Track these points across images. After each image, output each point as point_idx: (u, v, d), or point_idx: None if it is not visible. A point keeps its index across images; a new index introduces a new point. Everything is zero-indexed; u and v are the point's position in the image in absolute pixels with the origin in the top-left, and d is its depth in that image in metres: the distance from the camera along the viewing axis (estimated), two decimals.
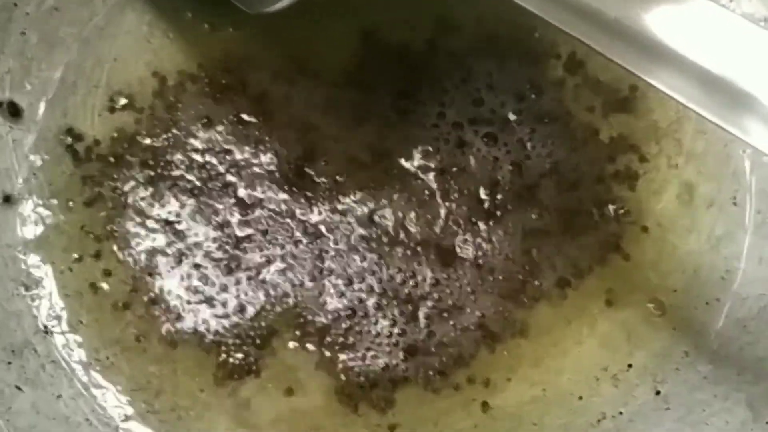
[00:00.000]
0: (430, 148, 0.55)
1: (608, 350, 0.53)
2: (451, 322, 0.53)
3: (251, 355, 0.52)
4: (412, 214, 0.54)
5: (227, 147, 0.55)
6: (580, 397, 0.52)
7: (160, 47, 0.57)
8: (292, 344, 0.52)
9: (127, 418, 0.51)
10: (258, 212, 0.54)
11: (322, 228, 0.54)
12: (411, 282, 0.53)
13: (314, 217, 0.54)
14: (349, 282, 0.53)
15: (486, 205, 0.55)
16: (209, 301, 0.53)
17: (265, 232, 0.54)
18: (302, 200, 0.54)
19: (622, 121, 0.56)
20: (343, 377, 0.52)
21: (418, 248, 0.54)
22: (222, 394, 0.52)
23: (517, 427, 0.52)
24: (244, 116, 0.56)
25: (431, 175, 0.55)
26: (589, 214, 0.55)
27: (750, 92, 0.38)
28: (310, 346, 0.52)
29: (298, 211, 0.54)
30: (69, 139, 0.55)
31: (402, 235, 0.54)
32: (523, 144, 0.56)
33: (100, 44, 0.56)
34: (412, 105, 0.56)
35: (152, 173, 0.55)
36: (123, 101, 0.56)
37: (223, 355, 0.52)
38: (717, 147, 0.55)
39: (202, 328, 0.52)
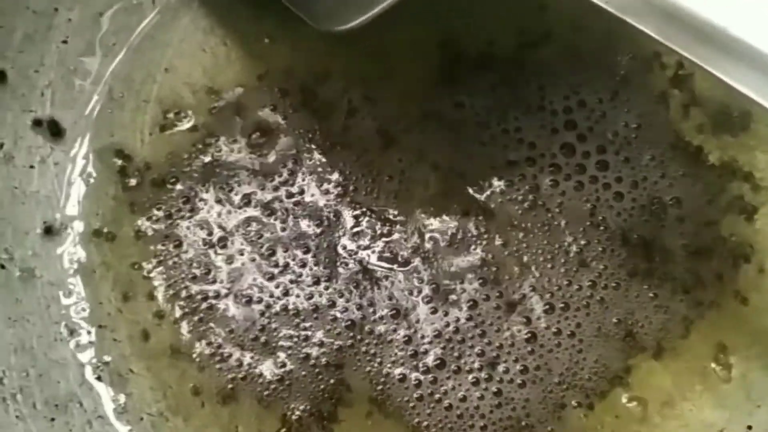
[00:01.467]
0: (518, 175, 0.49)
1: (725, 410, 0.47)
2: (542, 378, 0.47)
3: (321, 414, 0.46)
4: (495, 256, 0.48)
5: (293, 169, 0.49)
6: None
7: (216, 56, 0.51)
8: (367, 401, 0.46)
9: None
10: (324, 244, 0.48)
11: (392, 276, 0.48)
12: (496, 335, 0.47)
13: (391, 253, 0.48)
14: (428, 334, 0.47)
15: (580, 244, 0.48)
16: (273, 349, 0.47)
17: (332, 268, 0.48)
18: (373, 232, 0.48)
19: (734, 143, 0.50)
20: None
21: (502, 295, 0.48)
22: None
23: None
24: (312, 133, 0.50)
25: (517, 207, 0.49)
26: (700, 252, 0.49)
27: None
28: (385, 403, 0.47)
29: (367, 246, 0.48)
30: (117, 162, 0.49)
31: (482, 283, 0.48)
32: (624, 170, 0.49)
33: (151, 53, 0.51)
34: (495, 121, 0.50)
35: (210, 199, 0.49)
36: (176, 118, 0.50)
37: (289, 411, 0.46)
38: None
39: (266, 379, 0.47)
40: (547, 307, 0.47)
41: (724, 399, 0.47)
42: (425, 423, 0.46)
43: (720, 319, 0.48)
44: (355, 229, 0.49)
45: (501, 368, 0.47)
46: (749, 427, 0.47)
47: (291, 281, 0.48)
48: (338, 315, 0.47)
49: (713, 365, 0.48)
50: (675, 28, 0.37)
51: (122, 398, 0.47)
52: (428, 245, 0.48)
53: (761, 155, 0.50)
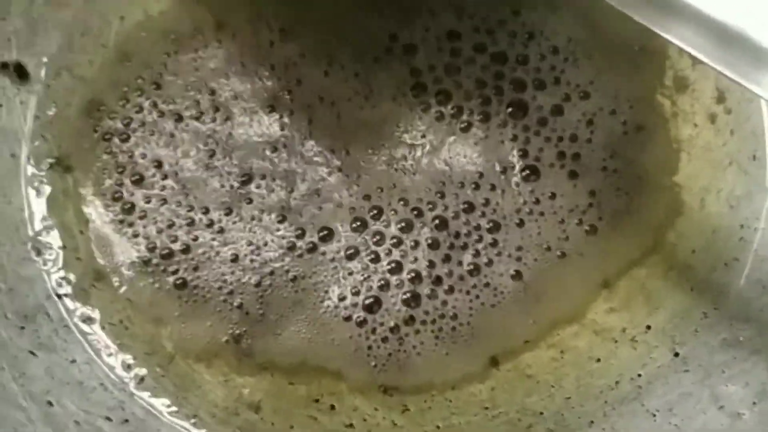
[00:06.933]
0: None
1: (627, 312, 0.52)
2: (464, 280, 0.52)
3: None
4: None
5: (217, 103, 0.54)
6: (599, 360, 0.52)
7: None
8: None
9: (141, 381, 0.51)
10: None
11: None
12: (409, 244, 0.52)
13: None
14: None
15: (518, 158, 0.53)
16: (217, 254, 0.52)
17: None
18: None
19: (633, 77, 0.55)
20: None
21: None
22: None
23: (535, 389, 0.51)
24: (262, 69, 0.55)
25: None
26: (604, 168, 0.54)
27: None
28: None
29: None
30: (78, 99, 0.54)
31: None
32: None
33: (105, 2, 0.55)
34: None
35: (163, 130, 0.54)
36: (132, 61, 0.55)
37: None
38: (737, 104, 0.54)
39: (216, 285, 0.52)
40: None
41: (626, 303, 0.52)
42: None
43: (622, 231, 0.53)
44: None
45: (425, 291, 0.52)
46: (648, 327, 0.52)
47: (246, 200, 0.53)
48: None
49: (617, 273, 0.52)
50: None
51: (86, 309, 0.52)
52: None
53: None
